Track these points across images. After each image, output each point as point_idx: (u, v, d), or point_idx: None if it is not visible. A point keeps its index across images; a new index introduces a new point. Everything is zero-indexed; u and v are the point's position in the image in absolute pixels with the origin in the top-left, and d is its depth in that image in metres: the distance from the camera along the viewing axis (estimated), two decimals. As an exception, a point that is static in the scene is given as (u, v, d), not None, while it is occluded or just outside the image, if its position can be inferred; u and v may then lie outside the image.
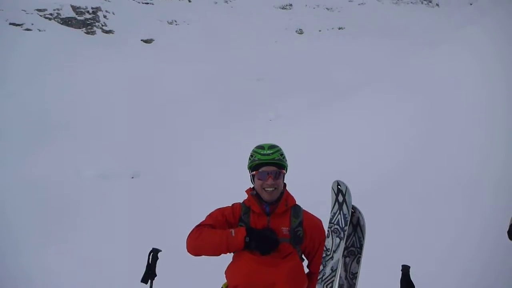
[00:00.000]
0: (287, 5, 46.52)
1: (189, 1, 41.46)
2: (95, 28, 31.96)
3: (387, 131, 10.18)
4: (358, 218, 2.36)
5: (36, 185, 10.83)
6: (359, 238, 2.38)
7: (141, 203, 10.35)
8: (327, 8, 47.08)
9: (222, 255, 2.50)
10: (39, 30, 27.45)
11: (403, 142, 9.35)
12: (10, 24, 26.62)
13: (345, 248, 2.34)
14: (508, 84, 8.61)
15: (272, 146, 2.57)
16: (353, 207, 2.33)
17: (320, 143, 11.31)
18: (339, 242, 2.28)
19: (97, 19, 32.60)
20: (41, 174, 11.59)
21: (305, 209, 2.66)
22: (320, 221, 2.62)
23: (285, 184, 2.63)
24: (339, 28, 41.83)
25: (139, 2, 37.53)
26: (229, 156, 12.36)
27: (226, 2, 44.84)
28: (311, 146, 11.28)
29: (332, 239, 2.33)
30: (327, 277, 2.28)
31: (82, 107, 17.09)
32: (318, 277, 2.32)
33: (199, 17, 38.20)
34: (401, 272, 2.34)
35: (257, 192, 2.56)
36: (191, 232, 2.50)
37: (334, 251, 2.29)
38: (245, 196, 2.64)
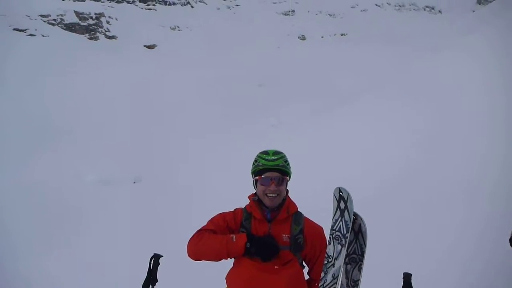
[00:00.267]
0: (289, 11, 46.69)
1: (192, 7, 41.65)
2: (98, 34, 32.12)
3: (389, 137, 10.18)
4: (360, 225, 2.35)
5: (37, 190, 10.83)
6: (360, 245, 2.37)
7: (143, 208, 10.34)
8: (329, 14, 47.23)
9: (223, 260, 2.50)
10: (43, 36, 27.61)
11: (405, 148, 9.35)
12: (14, 29, 26.80)
13: (346, 255, 2.33)
14: (507, 92, 8.64)
15: (276, 152, 2.58)
16: (355, 214, 2.33)
17: (323, 149, 11.30)
18: (341, 249, 2.27)
19: (100, 24, 32.78)
20: (42, 179, 11.59)
21: (307, 216, 2.66)
22: (321, 229, 2.62)
23: (287, 191, 2.63)
24: (342, 34, 41.94)
25: (142, 8, 37.73)
26: (230, 161, 12.36)
27: (229, 8, 45.03)
28: (313, 152, 11.27)
29: (334, 246, 2.32)
30: (328, 284, 2.27)
31: (84, 112, 17.14)
32: (319, 284, 2.32)
33: (201, 23, 38.37)
34: (402, 280, 2.33)
35: (259, 198, 2.56)
36: (192, 237, 2.50)
37: (336, 258, 2.28)
38: (246, 201, 2.64)
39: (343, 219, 2.32)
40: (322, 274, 2.33)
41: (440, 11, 54.48)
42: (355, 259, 2.38)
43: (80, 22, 32.04)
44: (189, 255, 2.50)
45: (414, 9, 53.38)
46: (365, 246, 2.35)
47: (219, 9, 43.90)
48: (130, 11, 36.03)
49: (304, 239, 2.52)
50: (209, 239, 2.44)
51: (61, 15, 31.41)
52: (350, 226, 2.28)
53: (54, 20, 30.83)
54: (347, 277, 2.38)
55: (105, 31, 32.64)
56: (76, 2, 34.97)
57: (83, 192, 11.43)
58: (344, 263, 2.29)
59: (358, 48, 33.29)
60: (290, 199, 2.63)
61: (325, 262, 2.34)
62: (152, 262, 2.78)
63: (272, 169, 2.51)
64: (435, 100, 10.48)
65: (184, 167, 13.49)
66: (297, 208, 2.62)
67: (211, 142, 15.83)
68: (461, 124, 9.09)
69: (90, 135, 15.45)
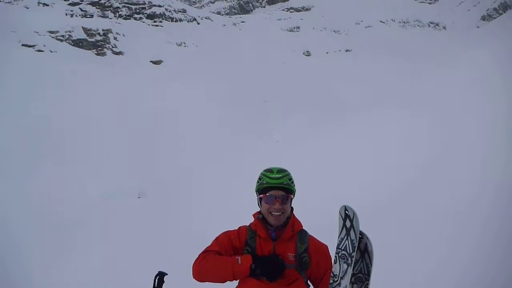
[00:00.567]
0: (294, 27, 47.09)
1: (198, 24, 42.13)
2: (105, 50, 32.48)
3: (395, 150, 10.15)
4: (366, 244, 2.33)
5: (40, 202, 10.83)
6: (366, 264, 2.35)
7: (147, 224, 10.30)
8: (334, 31, 47.57)
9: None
10: (51, 51, 27.97)
11: (408, 161, 9.31)
12: (23, 45, 27.19)
13: (352, 275, 2.31)
14: (509, 107, 8.63)
15: (281, 170, 2.57)
16: (361, 233, 2.31)
17: (327, 164, 11.28)
18: (347, 268, 2.25)
19: (107, 40, 33.16)
20: (45, 191, 11.58)
21: (311, 233, 2.64)
22: (326, 247, 2.60)
23: (292, 208, 2.62)
24: (346, 50, 42.15)
25: (149, 25, 38.19)
26: (236, 177, 12.33)
27: (234, 24, 45.50)
28: (317, 167, 11.25)
29: (340, 265, 2.30)
30: (334, 304, 2.24)
31: (89, 125, 17.21)
32: (326, 304, 2.29)
33: (207, 39, 38.74)
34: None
35: (263, 216, 2.55)
36: (197, 258, 2.49)
37: (342, 278, 2.26)
38: (251, 216, 2.63)
39: (349, 237, 2.30)
40: (328, 294, 2.30)
41: (444, 27, 54.73)
42: (361, 278, 2.35)
43: (87, 38, 32.46)
44: (194, 277, 2.49)
45: (418, 26, 53.65)
46: (371, 265, 2.33)
47: (225, 25, 44.37)
48: (137, 28, 36.48)
49: (309, 258, 2.50)
50: (215, 261, 2.42)
51: (69, 31, 31.86)
52: (356, 245, 2.26)
53: (62, 36, 31.25)
54: (353, 297, 2.35)
55: (112, 47, 33.01)
56: (84, 18, 35.52)
57: (87, 205, 11.42)
58: (350, 282, 2.27)
59: (363, 63, 33.43)
60: (295, 217, 2.62)
61: (331, 281, 2.31)
62: (156, 280, 2.77)
63: (276, 187, 2.50)
64: (439, 114, 10.48)
65: (188, 183, 13.48)
66: (302, 226, 2.61)
67: (216, 157, 15.83)
68: (464, 138, 9.06)
69: (94, 148, 15.47)
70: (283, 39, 43.20)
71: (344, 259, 2.29)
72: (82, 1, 37.77)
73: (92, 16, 36.58)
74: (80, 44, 31.70)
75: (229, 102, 22.37)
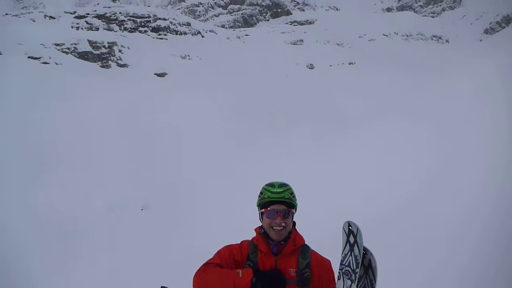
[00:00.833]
0: (298, 40, 47.44)
1: (202, 37, 42.51)
2: (110, 62, 32.77)
3: (398, 161, 10.12)
4: (370, 260, 2.30)
5: (44, 213, 10.83)
6: (370, 280, 2.31)
7: (151, 236, 10.25)
8: (337, 44, 47.88)
9: None
10: (56, 63, 28.24)
11: (411, 174, 9.27)
12: (29, 57, 27.48)
13: (356, 291, 2.27)
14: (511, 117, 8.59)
15: (282, 185, 2.56)
16: (365, 249, 2.28)
17: (330, 177, 11.24)
18: (350, 285, 2.22)
19: (112, 53, 33.47)
20: (48, 202, 11.58)
21: (313, 246, 2.62)
22: (329, 262, 2.57)
23: (294, 223, 2.60)
24: (350, 63, 42.36)
25: (153, 38, 38.57)
26: (239, 190, 12.30)
27: (238, 37, 45.87)
28: (320, 180, 11.21)
29: (343, 281, 2.27)
30: (338, 321, 2.21)
31: (92, 136, 17.26)
32: (329, 321, 2.25)
33: (211, 52, 39.04)
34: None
35: (265, 231, 2.53)
36: (198, 271, 2.47)
37: (345, 294, 2.23)
38: (254, 229, 2.62)
39: (352, 253, 2.27)
40: (332, 310, 2.27)
41: (447, 41, 55.00)
42: (365, 295, 2.32)
43: (93, 50, 32.78)
44: None
45: (421, 39, 53.94)
46: (375, 281, 2.30)
47: (229, 38, 44.74)
48: (142, 41, 36.85)
49: (311, 273, 2.47)
50: (215, 274, 2.40)
51: (75, 44, 32.20)
52: (360, 261, 2.23)
53: (68, 48, 31.59)
54: (357, 314, 2.31)
55: (117, 59, 33.30)
56: (90, 31, 35.92)
57: (91, 217, 11.39)
58: (354, 299, 2.23)
59: (366, 76, 33.56)
60: (297, 231, 2.60)
61: (335, 298, 2.28)
62: (158, 295, 2.74)
63: (278, 202, 2.49)
64: (441, 124, 10.46)
65: (192, 195, 13.44)
66: (304, 241, 2.58)
67: (220, 170, 15.82)
68: (467, 149, 9.01)
69: (98, 159, 15.49)
70: (286, 52, 43.49)
71: (347, 275, 2.26)
72: (88, 14, 38.25)
73: (97, 29, 36.99)
74: (86, 56, 32.02)
75: (234, 115, 22.44)
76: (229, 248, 2.57)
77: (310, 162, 13.28)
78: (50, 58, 28.57)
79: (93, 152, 15.88)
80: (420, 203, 8.01)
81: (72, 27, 36.11)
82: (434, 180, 8.55)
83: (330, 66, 41.64)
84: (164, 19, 40.95)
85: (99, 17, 38.26)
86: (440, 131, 10.26)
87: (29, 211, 10.82)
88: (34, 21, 35.26)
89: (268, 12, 67.67)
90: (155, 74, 32.67)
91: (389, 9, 76.83)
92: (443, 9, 73.61)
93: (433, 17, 69.27)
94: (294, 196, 2.56)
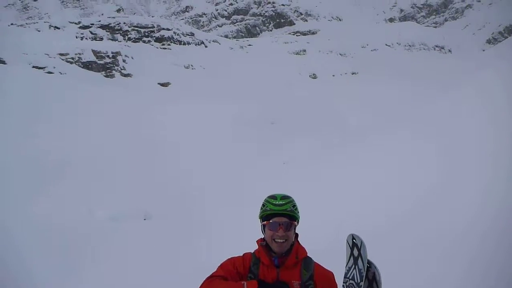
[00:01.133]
0: (301, 50, 47.66)
1: (206, 47, 42.78)
2: (114, 72, 33.00)
3: (399, 173, 10.05)
4: (374, 273, 2.26)
5: (46, 223, 10.81)
6: (375, 294, 2.27)
7: (153, 246, 10.20)
8: (340, 54, 48.08)
9: None
10: (60, 73, 28.46)
11: (416, 184, 9.20)
12: (34, 67, 27.70)
13: (360, 306, 2.23)
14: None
15: (284, 197, 2.54)
16: (369, 262, 2.24)
17: (333, 186, 11.18)
18: (354, 299, 2.17)
19: (116, 63, 33.72)
20: (49, 213, 11.56)
21: (314, 257, 2.59)
22: (332, 274, 2.54)
23: (297, 235, 2.58)
24: (352, 73, 42.50)
25: (157, 48, 38.86)
26: (242, 199, 12.26)
27: (242, 47, 46.14)
28: (323, 189, 11.15)
29: (347, 295, 2.22)
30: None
31: (94, 146, 17.29)
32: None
33: (214, 62, 39.28)
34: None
35: (267, 243, 2.51)
36: (202, 284, 2.44)
37: (349, 309, 2.18)
38: (257, 241, 2.60)
39: (356, 267, 2.23)
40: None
41: (450, 50, 55.15)
42: (370, 309, 2.27)
43: (97, 60, 33.05)
44: None
45: (424, 49, 54.11)
46: (380, 295, 2.25)
47: (232, 48, 45.01)
48: (146, 50, 37.13)
49: (315, 285, 2.44)
50: (220, 286, 2.37)
51: (79, 53, 32.48)
52: (364, 274, 2.19)
53: (72, 58, 31.86)
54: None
55: (121, 69, 33.54)
56: (94, 41, 36.24)
57: (93, 228, 11.35)
58: (358, 314, 2.19)
59: (368, 86, 33.62)
60: (299, 243, 2.57)
61: (338, 312, 2.24)
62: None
63: (280, 214, 2.47)
64: (447, 136, 10.39)
65: (195, 204, 13.41)
66: (306, 253, 2.56)
67: (222, 179, 15.80)
68: (472, 161, 8.94)
69: (101, 170, 15.48)
70: (289, 62, 43.70)
71: (351, 289, 2.22)
72: (93, 24, 38.63)
73: (102, 39, 37.33)
74: (90, 66, 32.27)
75: (237, 124, 22.48)
76: (232, 261, 2.55)
77: (308, 174, 13.23)
78: (54, 67, 28.81)
79: (95, 162, 15.89)
80: (419, 216, 7.95)
81: (76, 37, 36.47)
82: (431, 197, 8.48)
83: (333, 75, 41.79)
84: (168, 29, 41.30)
85: (103, 27, 38.63)
86: (442, 142, 10.21)
87: (30, 221, 10.80)
88: (39, 31, 35.63)
89: (271, 22, 68.21)
90: (158, 83, 32.86)
91: (391, 20, 77.24)
92: (446, 20, 73.98)
93: (435, 27, 69.57)
94: (296, 209, 2.54)
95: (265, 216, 2.51)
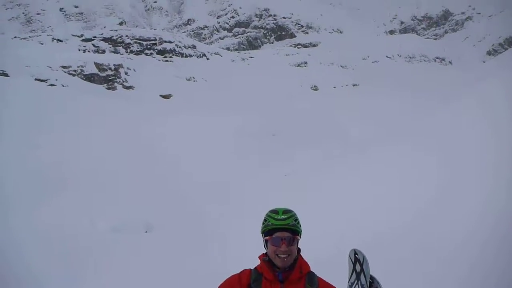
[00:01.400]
0: (302, 63, 47.87)
1: (207, 59, 43.02)
2: (116, 84, 33.17)
3: (400, 185, 10.01)
4: (377, 288, 2.25)
5: (47, 233, 10.79)
6: (378, 309, 2.26)
7: (155, 259, 10.15)
8: (341, 66, 48.26)
9: None
10: (63, 86, 28.59)
11: (416, 197, 9.16)
12: (36, 79, 27.86)
13: (363, 321, 2.21)
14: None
15: (286, 211, 2.53)
16: (371, 277, 2.23)
17: (335, 198, 11.13)
18: (357, 314, 2.16)
19: (118, 75, 33.92)
20: (50, 224, 11.51)
21: (316, 270, 2.58)
22: (336, 289, 2.52)
23: (299, 249, 2.56)
24: (353, 85, 42.62)
25: (159, 60, 39.09)
26: (243, 211, 12.22)
27: (243, 60, 46.39)
28: (326, 201, 11.11)
29: (350, 311, 2.21)
30: None
31: (96, 158, 17.31)
32: None
33: (216, 74, 39.46)
34: None
35: (269, 258, 2.49)
36: None
37: (352, 324, 2.17)
38: (261, 253, 2.59)
39: (359, 282, 2.22)
40: None
41: (450, 62, 55.37)
42: (373, 325, 2.26)
43: (99, 73, 33.24)
44: None
45: (424, 61, 54.33)
46: (382, 311, 2.23)
47: (233, 61, 45.26)
48: (147, 63, 37.33)
49: (320, 301, 2.42)
50: None
51: (82, 66, 32.68)
52: (367, 290, 2.18)
53: (75, 71, 32.05)
54: None
55: (123, 81, 33.72)
56: (97, 54, 36.49)
57: (95, 239, 11.31)
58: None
59: (370, 98, 33.67)
60: (302, 258, 2.56)
61: (341, 328, 2.22)
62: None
63: (282, 229, 2.46)
64: (447, 148, 10.36)
65: (196, 217, 13.37)
66: (309, 268, 2.54)
67: (223, 190, 15.77)
68: (472, 172, 8.90)
69: (100, 183, 15.46)
70: (291, 74, 43.86)
71: (354, 304, 2.21)
72: (95, 37, 38.94)
73: (104, 51, 37.58)
74: (92, 78, 32.44)
75: (238, 136, 22.50)
76: (228, 281, 2.53)
77: (312, 183, 13.19)
78: (56, 80, 28.97)
79: (96, 173, 15.89)
80: (420, 227, 7.90)
81: (79, 50, 36.74)
82: (437, 202, 8.43)
83: (334, 87, 41.91)
84: (170, 42, 41.58)
85: (105, 40, 38.92)
86: (442, 154, 10.17)
87: (32, 233, 10.77)
88: (42, 44, 35.91)
89: (273, 35, 68.73)
90: (160, 95, 32.99)
91: (392, 32, 77.74)
92: (446, 32, 74.44)
93: (435, 39, 69.97)
94: (298, 223, 2.53)
95: (267, 231, 2.50)
